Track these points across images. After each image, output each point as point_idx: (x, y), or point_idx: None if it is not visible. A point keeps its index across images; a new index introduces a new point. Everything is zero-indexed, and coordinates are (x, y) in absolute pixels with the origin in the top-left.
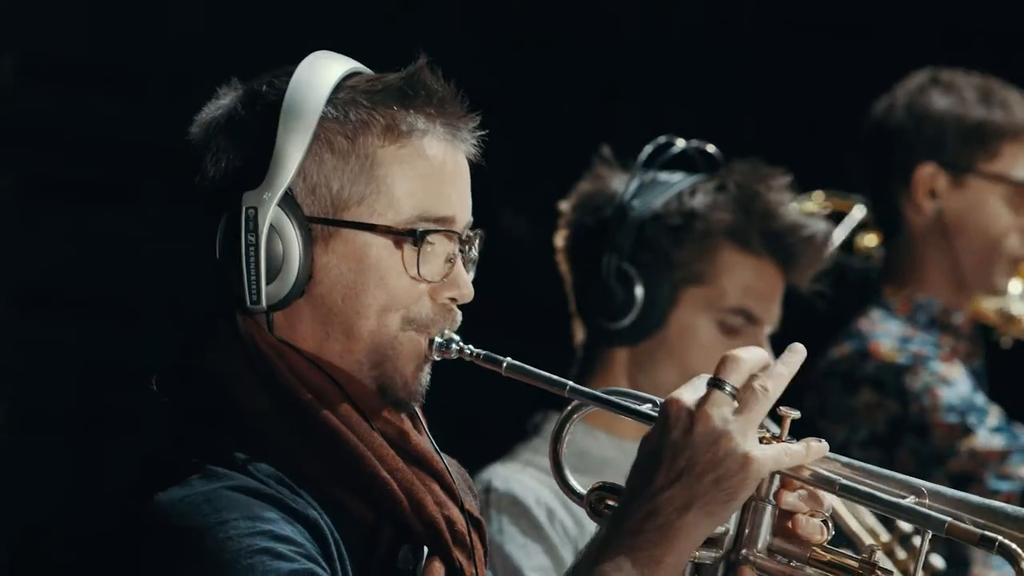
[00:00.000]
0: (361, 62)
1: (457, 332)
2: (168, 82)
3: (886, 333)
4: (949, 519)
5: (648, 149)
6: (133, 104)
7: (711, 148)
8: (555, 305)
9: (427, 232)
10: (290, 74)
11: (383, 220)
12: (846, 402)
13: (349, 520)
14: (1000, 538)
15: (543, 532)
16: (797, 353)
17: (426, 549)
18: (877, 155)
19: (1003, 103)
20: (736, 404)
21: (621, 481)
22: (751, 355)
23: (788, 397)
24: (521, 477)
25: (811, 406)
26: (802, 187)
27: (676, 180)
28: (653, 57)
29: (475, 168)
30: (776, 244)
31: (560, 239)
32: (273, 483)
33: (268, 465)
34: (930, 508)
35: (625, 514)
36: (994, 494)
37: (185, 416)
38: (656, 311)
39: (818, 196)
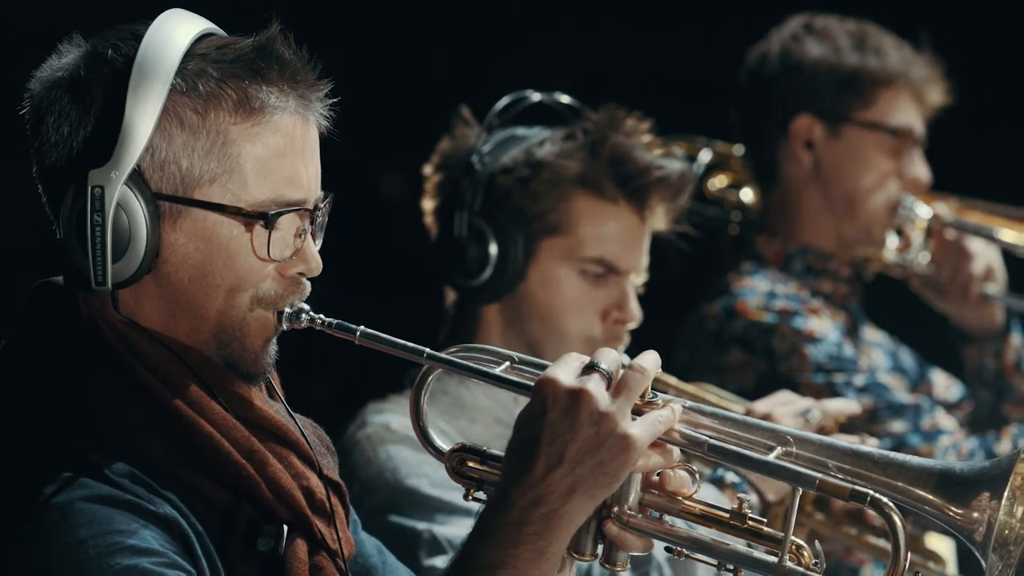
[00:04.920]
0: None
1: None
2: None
3: (753, 290)
4: (819, 475)
5: (501, 104)
6: None
7: (566, 99)
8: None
9: (278, 215)
10: (137, 37)
11: (234, 201)
12: (716, 360)
13: (208, 506)
14: (871, 492)
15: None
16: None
17: (286, 527)
18: (752, 106)
19: (877, 49)
20: (612, 385)
21: (495, 428)
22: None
23: (661, 353)
24: (395, 411)
25: (682, 362)
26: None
27: (531, 134)
28: (532, 16)
29: (354, 131)
30: (628, 187)
31: (425, 201)
32: (128, 483)
33: (122, 463)
34: (799, 460)
35: (507, 501)
36: None
37: (28, 412)
38: (513, 265)
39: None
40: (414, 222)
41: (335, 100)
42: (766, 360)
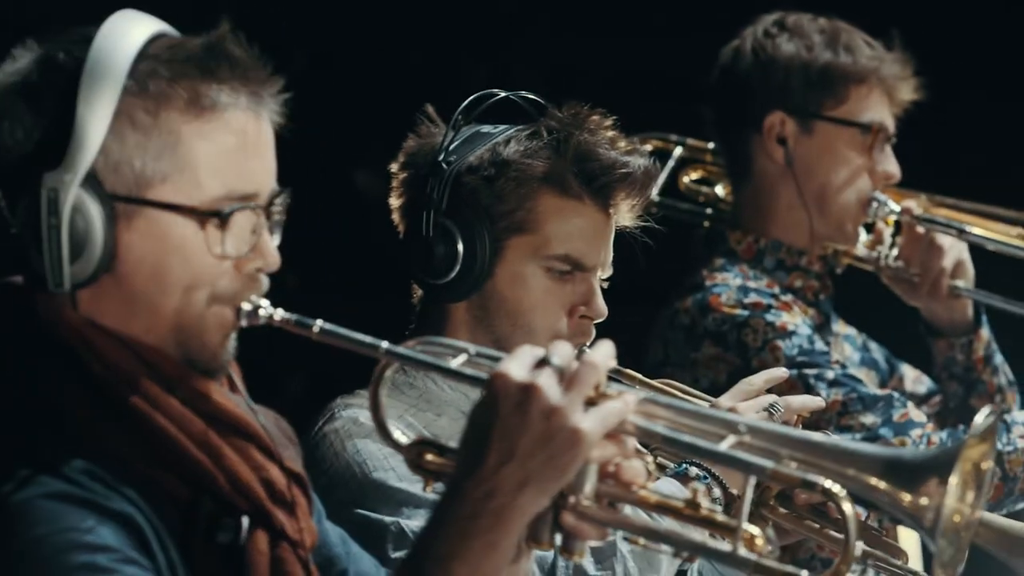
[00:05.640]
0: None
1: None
2: None
3: (725, 285)
4: (771, 465)
5: (467, 102)
6: None
7: (532, 97)
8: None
9: (232, 212)
10: (89, 39)
11: (187, 199)
12: (688, 355)
13: (169, 501)
14: (821, 483)
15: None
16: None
17: (246, 519)
18: (725, 103)
19: (849, 47)
20: (564, 379)
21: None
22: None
23: (634, 347)
24: (364, 405)
25: (656, 358)
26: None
27: (496, 131)
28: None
29: (332, 126)
30: (593, 185)
31: (392, 199)
32: (86, 480)
33: (80, 460)
34: (751, 449)
35: (460, 494)
36: None
37: None
38: (480, 264)
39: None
40: (389, 218)
41: (288, 95)
42: (739, 354)
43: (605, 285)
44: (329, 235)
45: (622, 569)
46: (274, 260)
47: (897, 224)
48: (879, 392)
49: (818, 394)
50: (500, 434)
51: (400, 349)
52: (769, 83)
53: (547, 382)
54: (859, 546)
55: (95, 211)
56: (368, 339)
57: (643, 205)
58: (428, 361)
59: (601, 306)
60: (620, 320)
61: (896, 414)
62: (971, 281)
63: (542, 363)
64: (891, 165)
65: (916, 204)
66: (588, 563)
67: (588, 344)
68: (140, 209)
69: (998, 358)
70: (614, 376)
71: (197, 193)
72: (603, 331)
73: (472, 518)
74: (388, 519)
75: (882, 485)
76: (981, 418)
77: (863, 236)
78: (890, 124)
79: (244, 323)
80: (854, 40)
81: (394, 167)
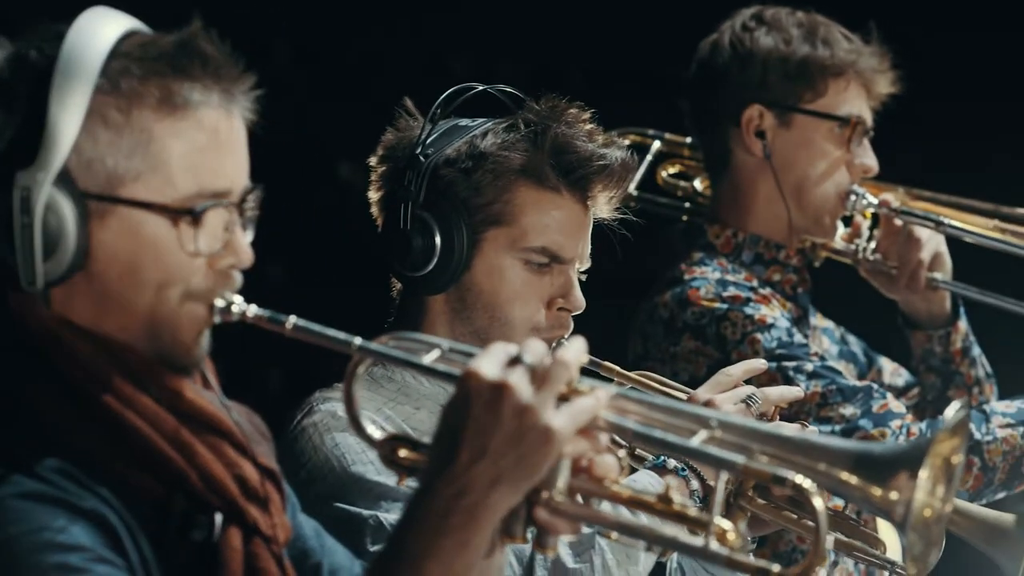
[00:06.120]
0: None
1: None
2: None
3: (704, 278)
4: (743, 460)
5: (445, 95)
6: None
7: (510, 90)
8: None
9: (204, 209)
10: (60, 36)
11: (159, 197)
12: (668, 349)
13: (142, 499)
14: (792, 478)
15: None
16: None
17: (220, 516)
18: (703, 96)
19: (827, 40)
20: (536, 377)
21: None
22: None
23: (614, 342)
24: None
25: (635, 351)
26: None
27: (474, 124)
28: (480, 9)
29: (313, 119)
30: (571, 177)
31: (371, 192)
32: (58, 479)
33: (53, 458)
34: (722, 444)
35: (432, 492)
36: None
37: None
38: (458, 256)
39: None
40: (369, 211)
41: (260, 92)
42: (718, 348)
43: (583, 278)
44: (311, 228)
45: (600, 561)
46: (247, 257)
47: (875, 217)
48: (858, 383)
49: (797, 386)
50: (472, 432)
51: (373, 345)
52: (747, 76)
53: (519, 380)
54: (831, 539)
55: (68, 209)
56: (341, 335)
57: (621, 197)
58: (400, 357)
59: (579, 298)
60: (599, 313)
61: (875, 405)
62: (949, 273)
63: (514, 361)
64: (869, 158)
65: (894, 197)
66: (567, 556)
67: (566, 336)
68: (113, 207)
69: (976, 350)
70: (593, 369)
71: (170, 191)
72: (581, 323)
73: (444, 516)
74: (366, 512)
75: (853, 480)
76: (952, 412)
77: (841, 229)
78: (868, 117)
79: (218, 320)
80: (832, 33)
81: (373, 160)
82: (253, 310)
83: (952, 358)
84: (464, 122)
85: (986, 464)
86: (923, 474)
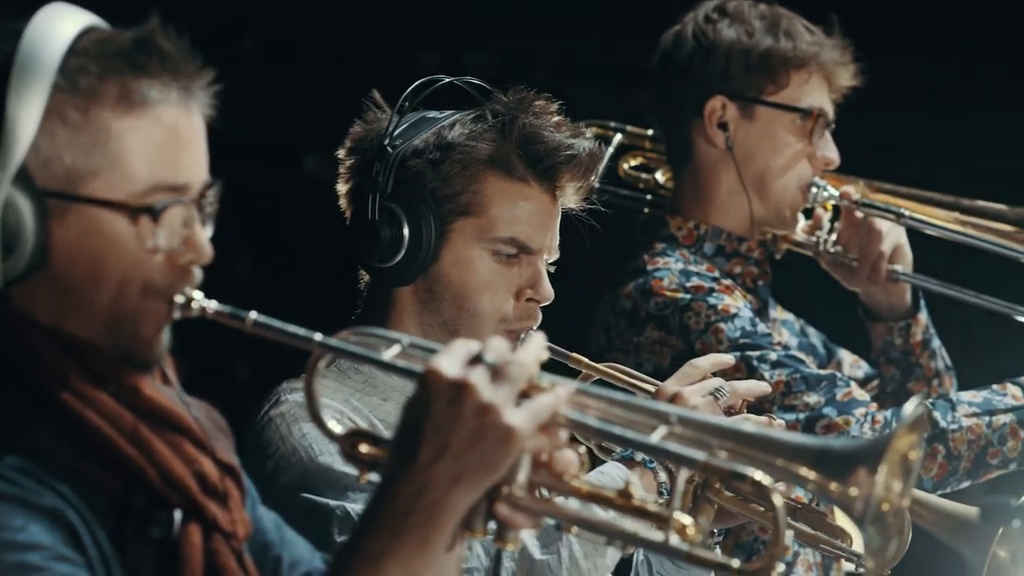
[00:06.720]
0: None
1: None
2: None
3: (667, 268)
4: (703, 456)
5: (412, 87)
6: None
7: (478, 82)
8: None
9: (163, 207)
10: (18, 33)
11: (118, 194)
12: (631, 339)
13: (101, 495)
14: (752, 474)
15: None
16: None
17: (179, 512)
18: (666, 88)
19: (789, 32)
20: (496, 375)
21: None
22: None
23: (577, 333)
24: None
25: (598, 343)
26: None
27: (442, 116)
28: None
29: (281, 111)
30: (539, 167)
31: (340, 185)
32: (17, 477)
33: (12, 456)
34: (682, 440)
35: (392, 490)
36: None
37: None
38: (426, 247)
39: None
40: (337, 204)
41: (218, 88)
42: (681, 338)
43: (552, 269)
44: (277, 222)
45: (568, 553)
46: (206, 253)
47: (836, 209)
48: (822, 372)
49: (762, 376)
50: (433, 430)
51: (333, 341)
52: (710, 68)
53: (479, 379)
54: (791, 534)
55: (26, 208)
56: (301, 331)
57: (589, 188)
58: (360, 353)
59: (547, 289)
60: (561, 306)
61: (839, 393)
62: (909, 265)
63: (475, 359)
64: (830, 151)
65: (855, 189)
66: (534, 548)
67: (535, 327)
68: (72, 205)
69: (936, 342)
70: (562, 361)
71: (128, 187)
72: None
73: (404, 514)
74: (333, 503)
75: (812, 475)
76: (910, 408)
77: (802, 221)
78: (829, 110)
79: (178, 316)
80: (794, 26)
81: (341, 153)
82: (213, 306)
83: (912, 350)
84: (432, 114)
85: (951, 452)
86: (881, 470)
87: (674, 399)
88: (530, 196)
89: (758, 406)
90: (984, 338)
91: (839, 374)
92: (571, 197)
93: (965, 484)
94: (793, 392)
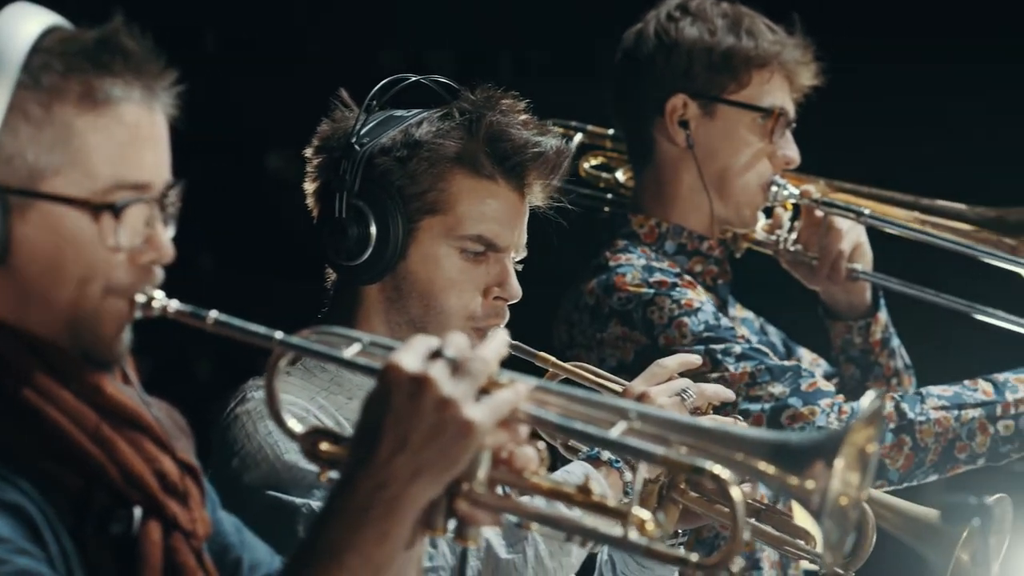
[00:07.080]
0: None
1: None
2: None
3: (630, 264)
4: (661, 451)
5: (379, 86)
6: None
7: (445, 80)
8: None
9: (125, 205)
10: None
11: (80, 191)
12: (595, 335)
13: (61, 492)
14: (709, 468)
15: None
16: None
17: (139, 510)
18: (627, 85)
19: (751, 31)
20: (456, 370)
21: None
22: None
23: (539, 331)
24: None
25: (561, 339)
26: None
27: (409, 114)
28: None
29: (243, 110)
30: (506, 165)
31: (307, 184)
32: None
33: None
34: (641, 436)
35: (352, 484)
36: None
37: None
38: (393, 245)
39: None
40: (303, 202)
41: (182, 88)
42: (645, 333)
43: (519, 267)
44: (241, 220)
45: (534, 552)
46: (167, 252)
47: (796, 208)
48: (786, 363)
49: (726, 368)
50: (392, 425)
51: (294, 340)
52: (672, 66)
53: (439, 373)
54: (748, 532)
55: None
56: (262, 330)
57: (555, 185)
58: (321, 352)
59: (515, 287)
60: (524, 304)
61: (804, 384)
62: (869, 264)
63: (435, 354)
64: (791, 150)
65: (815, 188)
66: (500, 547)
67: (502, 325)
68: (33, 202)
69: (895, 341)
70: (528, 360)
71: (90, 185)
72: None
73: (364, 508)
74: (299, 501)
75: (770, 469)
76: (867, 402)
77: (762, 220)
78: (790, 109)
79: (139, 315)
80: (756, 25)
81: (308, 152)
82: (174, 305)
83: (871, 349)
84: (399, 112)
85: (917, 444)
86: (838, 463)
87: (641, 399)
88: (497, 194)
89: (722, 408)
90: (944, 337)
91: (803, 365)
92: (538, 195)
93: (932, 478)
94: (758, 383)
